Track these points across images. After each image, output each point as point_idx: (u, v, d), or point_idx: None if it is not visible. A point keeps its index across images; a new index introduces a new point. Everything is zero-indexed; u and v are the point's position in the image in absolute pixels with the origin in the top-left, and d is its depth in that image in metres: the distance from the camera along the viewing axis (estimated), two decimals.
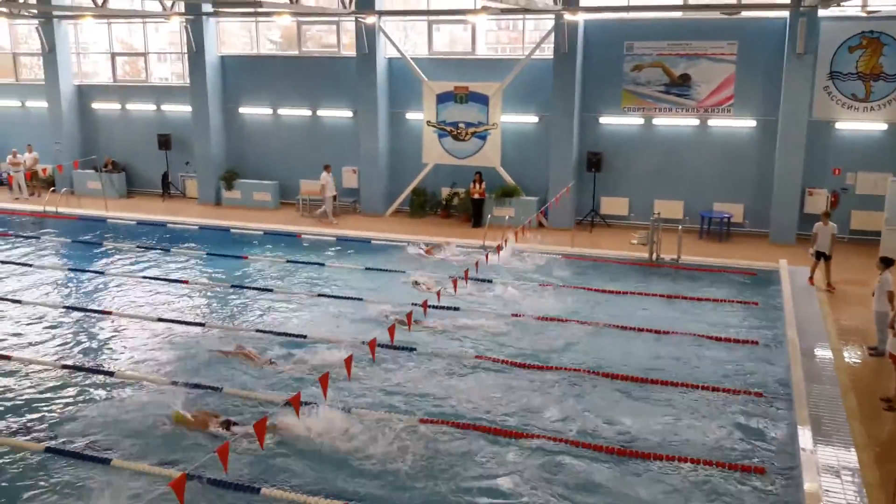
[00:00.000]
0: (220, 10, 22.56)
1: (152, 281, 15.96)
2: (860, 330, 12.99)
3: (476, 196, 21.12)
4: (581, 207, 21.11)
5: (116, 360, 11.77)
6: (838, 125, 18.97)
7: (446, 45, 22.54)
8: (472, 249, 17.61)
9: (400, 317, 12.28)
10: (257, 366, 11.36)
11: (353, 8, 20.61)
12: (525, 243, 17.39)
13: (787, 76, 18.65)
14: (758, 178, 19.74)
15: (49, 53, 25.20)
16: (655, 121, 20.26)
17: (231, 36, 24.62)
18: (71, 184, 25.18)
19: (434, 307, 12.39)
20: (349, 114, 22.89)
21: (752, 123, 19.60)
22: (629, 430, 9.57)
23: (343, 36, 22.85)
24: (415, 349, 11.93)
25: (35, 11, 23.94)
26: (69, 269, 16.94)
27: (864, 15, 18.17)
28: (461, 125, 21.42)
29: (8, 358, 11.73)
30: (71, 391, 10.67)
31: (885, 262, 11.98)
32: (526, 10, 19.45)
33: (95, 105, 26.02)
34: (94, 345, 12.51)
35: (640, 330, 12.92)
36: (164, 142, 24.59)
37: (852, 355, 12.07)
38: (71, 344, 12.49)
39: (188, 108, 24.25)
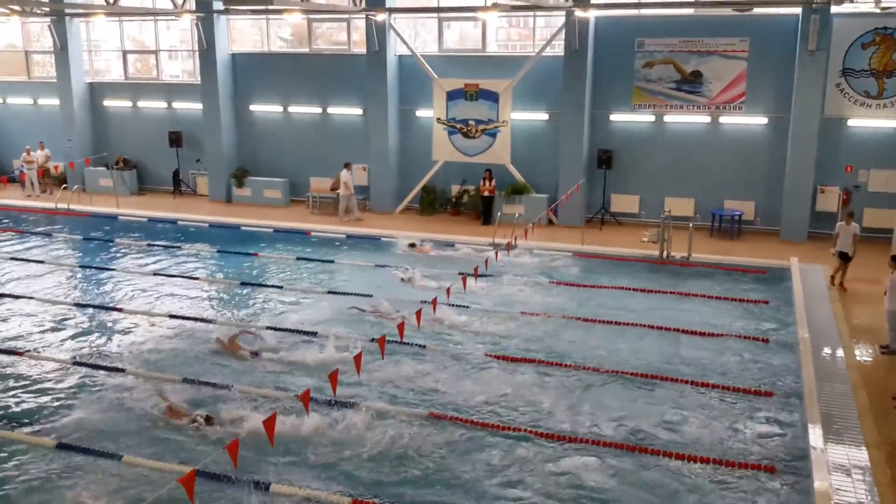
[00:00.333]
0: (231, 7, 22.60)
1: (163, 277, 16.00)
2: (872, 328, 12.91)
3: (486, 193, 21.10)
4: (591, 205, 21.07)
5: (127, 356, 11.80)
6: (850, 122, 18.84)
7: (456, 42, 22.53)
8: (482, 247, 17.61)
9: (398, 316, 12.26)
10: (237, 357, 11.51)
11: (363, 5, 20.65)
12: (535, 240, 17.33)
13: (799, 73, 18.54)
14: (769, 176, 19.64)
15: (61, 51, 25.35)
16: (666, 118, 20.18)
17: (242, 33, 24.69)
18: (83, 181, 25.35)
19: (443, 304, 12.38)
20: (359, 111, 22.91)
21: (764, 121, 19.49)
22: (639, 427, 9.53)
23: (353, 33, 22.88)
24: (424, 346, 11.94)
25: (47, 9, 24.09)
26: (80, 266, 17.01)
27: (878, 11, 18.03)
28: (471, 122, 21.39)
29: (19, 354, 11.81)
30: (81, 387, 10.71)
31: None
32: (537, 7, 19.42)
33: (107, 102, 26.17)
34: (105, 341, 12.55)
35: (650, 327, 12.88)
36: (175, 139, 24.70)
37: (864, 354, 12.00)
38: (81, 340, 12.54)
39: (199, 106, 24.34)
